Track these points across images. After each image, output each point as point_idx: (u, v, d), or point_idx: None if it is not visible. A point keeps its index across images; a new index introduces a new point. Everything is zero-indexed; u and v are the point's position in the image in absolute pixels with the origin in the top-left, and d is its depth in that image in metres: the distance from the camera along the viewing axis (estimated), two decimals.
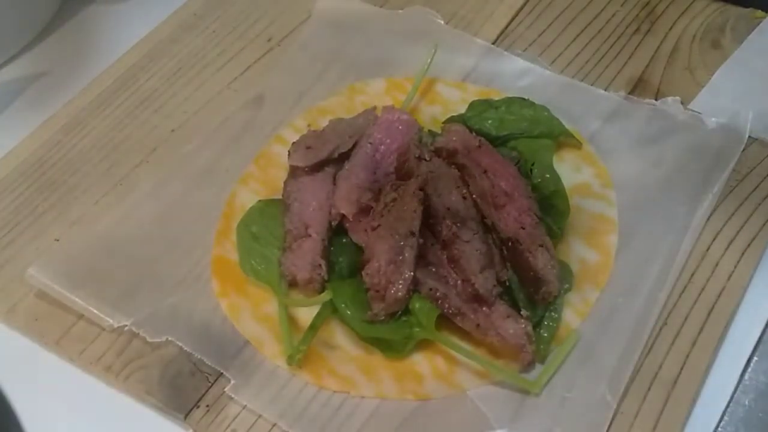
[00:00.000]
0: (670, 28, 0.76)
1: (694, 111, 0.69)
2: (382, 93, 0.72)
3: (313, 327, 0.57)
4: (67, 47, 0.80)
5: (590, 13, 0.78)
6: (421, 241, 0.57)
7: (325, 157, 0.64)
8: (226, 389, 0.55)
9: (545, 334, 0.57)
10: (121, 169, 0.68)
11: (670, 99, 0.70)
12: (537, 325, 0.57)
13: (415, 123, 0.66)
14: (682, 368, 0.55)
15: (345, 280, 0.59)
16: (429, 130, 0.67)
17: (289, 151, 0.64)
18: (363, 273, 0.57)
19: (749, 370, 0.57)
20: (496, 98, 0.69)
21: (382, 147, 0.64)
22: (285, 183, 0.64)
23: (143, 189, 0.66)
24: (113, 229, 0.64)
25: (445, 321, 0.57)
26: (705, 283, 0.59)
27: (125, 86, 0.74)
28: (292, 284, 0.60)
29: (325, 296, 0.58)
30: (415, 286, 0.57)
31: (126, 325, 0.58)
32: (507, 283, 0.58)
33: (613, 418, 0.53)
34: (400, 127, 0.65)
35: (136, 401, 0.57)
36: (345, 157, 0.64)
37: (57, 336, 0.59)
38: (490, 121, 0.67)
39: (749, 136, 0.67)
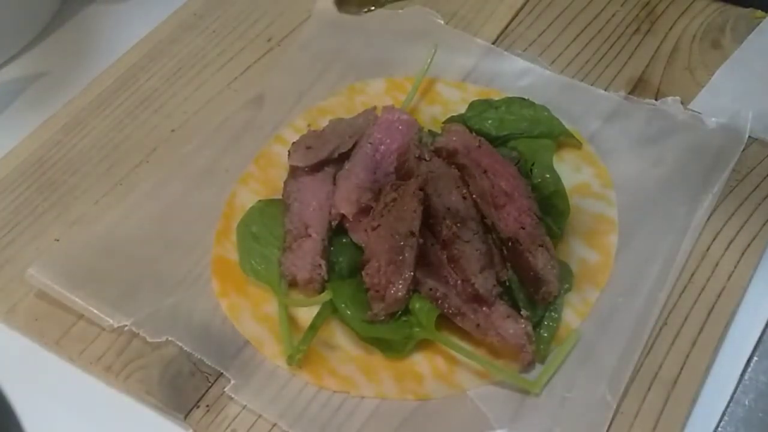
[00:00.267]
0: (670, 28, 0.76)
1: (694, 111, 0.69)
2: (382, 93, 0.72)
3: (313, 327, 0.57)
4: (67, 47, 0.80)
5: (590, 13, 0.78)
6: (421, 241, 0.57)
7: (325, 157, 0.64)
8: (226, 389, 0.55)
9: (545, 334, 0.57)
10: (121, 169, 0.68)
11: (670, 99, 0.69)
12: (537, 325, 0.57)
13: (415, 123, 0.66)
14: (682, 368, 0.55)
15: (345, 280, 0.59)
16: (429, 130, 0.67)
17: (289, 151, 0.64)
18: (363, 273, 0.57)
19: (749, 370, 0.57)
20: (496, 98, 0.69)
21: (382, 147, 0.64)
22: (285, 183, 0.64)
23: (143, 189, 0.66)
24: (113, 229, 0.64)
25: (445, 321, 0.57)
26: (705, 283, 0.59)
27: (125, 86, 0.74)
28: (292, 284, 0.60)
29: (325, 296, 0.58)
30: (415, 286, 0.57)
31: (126, 325, 0.58)
32: (507, 283, 0.58)
33: (613, 418, 0.53)
34: (400, 127, 0.65)
35: (136, 401, 0.57)
36: (345, 157, 0.64)
37: (57, 336, 0.59)
38: (490, 121, 0.67)
39: (749, 136, 0.67)
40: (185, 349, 0.57)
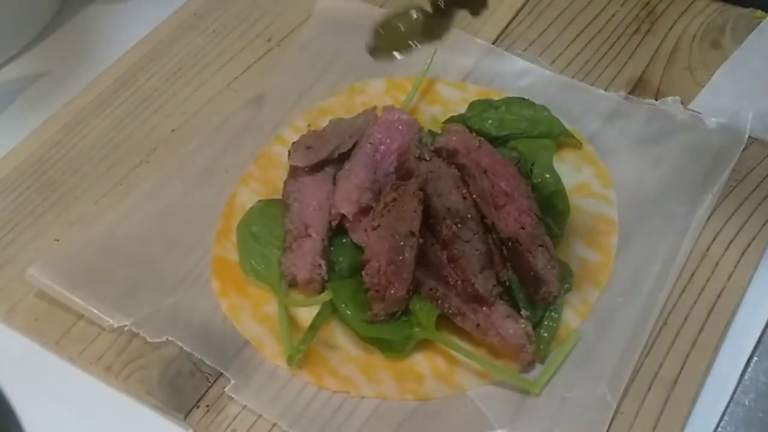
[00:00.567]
0: (670, 28, 0.76)
1: (694, 111, 0.69)
2: (382, 93, 0.72)
3: (313, 327, 0.57)
4: (67, 47, 0.80)
5: (590, 13, 0.78)
6: (421, 241, 0.57)
7: (325, 157, 0.64)
8: (226, 389, 0.55)
9: (545, 334, 0.57)
10: (121, 169, 0.68)
11: (670, 99, 0.69)
12: (537, 325, 0.57)
13: (415, 123, 0.66)
14: (682, 368, 0.55)
15: (345, 280, 0.59)
16: (429, 130, 0.67)
17: (289, 151, 0.64)
18: (363, 273, 0.57)
19: (749, 370, 0.57)
20: (496, 98, 0.69)
21: (382, 147, 0.64)
22: (285, 183, 0.64)
23: (143, 189, 0.66)
24: (113, 229, 0.64)
25: (445, 321, 0.57)
26: (705, 283, 0.59)
27: (125, 86, 0.74)
28: (292, 284, 0.60)
29: (325, 296, 0.58)
30: (415, 286, 0.57)
31: (126, 325, 0.58)
32: (507, 283, 0.58)
33: (613, 418, 0.53)
34: (400, 127, 0.65)
35: (136, 401, 0.57)
36: (345, 157, 0.64)
37: (57, 336, 0.59)
38: (490, 121, 0.67)
39: (749, 136, 0.66)
40: (185, 349, 0.57)
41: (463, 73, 0.73)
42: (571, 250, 0.61)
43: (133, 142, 0.70)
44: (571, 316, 0.58)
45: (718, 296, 0.59)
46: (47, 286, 0.60)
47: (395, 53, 0.51)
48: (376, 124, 0.65)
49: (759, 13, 0.76)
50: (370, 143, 0.64)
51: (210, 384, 0.56)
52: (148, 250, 0.62)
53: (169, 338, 0.57)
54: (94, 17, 0.82)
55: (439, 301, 0.56)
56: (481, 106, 0.68)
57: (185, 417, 0.55)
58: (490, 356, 0.56)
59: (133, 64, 0.76)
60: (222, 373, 0.56)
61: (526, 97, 0.69)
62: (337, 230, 0.61)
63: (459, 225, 0.58)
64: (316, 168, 0.64)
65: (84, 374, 0.58)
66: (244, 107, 0.71)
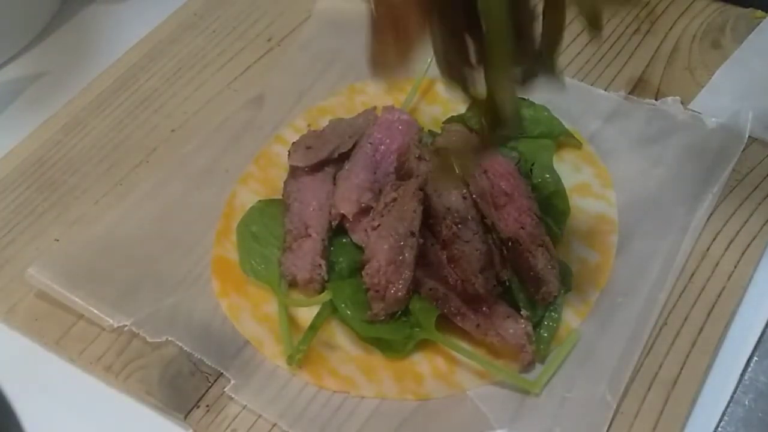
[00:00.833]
0: (670, 28, 0.76)
1: (694, 111, 0.69)
2: (382, 93, 0.72)
3: (313, 327, 0.57)
4: (67, 47, 0.80)
5: None
6: (421, 241, 0.57)
7: (325, 157, 0.64)
8: (226, 389, 0.55)
9: (545, 334, 0.57)
10: (121, 169, 0.68)
11: (670, 99, 0.69)
12: (537, 325, 0.57)
13: (415, 123, 0.66)
14: (682, 368, 0.55)
15: (345, 280, 0.59)
16: (429, 130, 0.67)
17: (289, 151, 0.64)
18: (363, 273, 0.57)
19: (749, 370, 0.57)
20: None
21: (382, 147, 0.64)
22: (285, 183, 0.64)
23: (143, 189, 0.66)
24: (113, 229, 0.64)
25: (445, 321, 0.57)
26: (705, 283, 0.59)
27: (125, 86, 0.74)
28: (292, 284, 0.60)
29: (325, 296, 0.58)
30: (415, 286, 0.57)
31: (126, 325, 0.58)
32: (507, 283, 0.58)
33: (613, 418, 0.53)
34: (400, 127, 0.65)
35: (136, 401, 0.57)
36: (345, 157, 0.64)
37: (57, 336, 0.59)
38: None
39: (749, 136, 0.66)
40: (185, 349, 0.57)
41: None
42: (571, 250, 0.61)
43: (133, 142, 0.70)
44: (571, 316, 0.58)
45: (718, 296, 0.59)
46: (47, 286, 0.60)
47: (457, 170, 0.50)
48: (376, 124, 0.66)
49: (759, 13, 0.76)
50: (370, 143, 0.64)
51: (210, 384, 0.56)
52: (148, 250, 0.62)
53: (169, 338, 0.57)
54: (94, 17, 0.82)
55: (439, 301, 0.56)
56: None
57: (185, 417, 0.55)
58: (490, 356, 0.56)
59: (133, 64, 0.76)
60: (222, 373, 0.56)
61: (526, 97, 0.69)
62: (337, 230, 0.61)
63: (459, 225, 0.58)
64: (316, 168, 0.64)
65: (84, 374, 0.58)
66: (244, 107, 0.71)
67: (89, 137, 0.70)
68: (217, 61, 0.76)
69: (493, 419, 0.53)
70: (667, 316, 0.58)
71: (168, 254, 0.62)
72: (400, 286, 0.56)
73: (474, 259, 0.57)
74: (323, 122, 0.68)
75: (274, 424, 0.54)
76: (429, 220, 0.58)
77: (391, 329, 0.56)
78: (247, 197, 0.65)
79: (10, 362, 0.58)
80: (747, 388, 0.56)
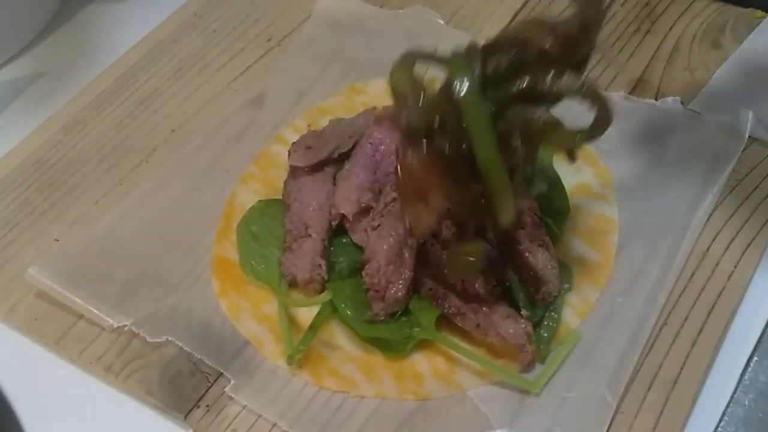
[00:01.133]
0: (670, 28, 0.76)
1: (694, 111, 0.69)
2: (382, 93, 0.71)
3: (313, 327, 0.57)
4: (67, 47, 0.80)
5: None
6: (421, 241, 0.57)
7: (325, 157, 0.64)
8: (226, 389, 0.55)
9: (545, 334, 0.57)
10: (121, 169, 0.68)
11: (670, 99, 0.69)
12: (537, 325, 0.57)
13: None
14: (682, 368, 0.55)
15: (345, 280, 0.59)
16: None
17: (289, 151, 0.64)
18: (363, 273, 0.57)
19: (749, 370, 0.57)
20: None
21: (382, 147, 0.64)
22: (285, 183, 0.64)
23: (143, 189, 0.66)
24: (113, 229, 0.64)
25: (445, 321, 0.57)
26: (705, 283, 0.59)
27: (125, 86, 0.74)
28: (292, 284, 0.60)
29: (325, 296, 0.58)
30: (415, 286, 0.57)
31: (126, 325, 0.58)
32: (507, 283, 0.58)
33: (613, 418, 0.53)
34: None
35: (136, 401, 0.57)
36: (345, 157, 0.64)
37: (57, 336, 0.59)
38: None
39: (749, 136, 0.66)
40: (185, 349, 0.57)
41: None
42: (571, 250, 0.61)
43: (133, 142, 0.70)
44: (571, 316, 0.58)
45: (718, 296, 0.59)
46: (47, 286, 0.60)
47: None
48: (376, 124, 0.65)
49: (759, 13, 0.76)
50: (370, 143, 0.64)
51: (210, 384, 0.56)
52: (148, 250, 0.62)
53: (169, 338, 0.57)
54: (94, 17, 0.83)
55: (439, 301, 0.56)
56: None
57: (185, 417, 0.55)
58: (490, 356, 0.56)
59: (133, 64, 0.76)
60: (222, 373, 0.56)
61: None
62: (337, 230, 0.61)
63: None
64: (316, 168, 0.63)
65: (84, 374, 0.58)
66: (244, 107, 0.71)
67: (89, 137, 0.70)
68: (217, 61, 0.76)
69: (493, 419, 0.54)
70: (667, 316, 0.58)
71: (168, 254, 0.62)
72: (400, 286, 0.56)
73: None
74: (323, 122, 0.68)
75: (274, 424, 0.54)
76: None
77: (391, 329, 0.56)
78: (247, 197, 0.65)
79: (10, 362, 0.58)
80: (747, 388, 0.56)
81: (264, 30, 0.78)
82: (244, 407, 0.55)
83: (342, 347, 0.57)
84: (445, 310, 0.56)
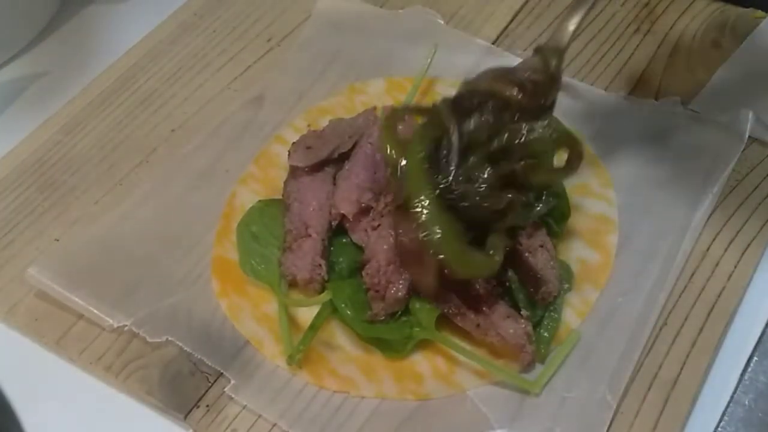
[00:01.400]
0: (670, 28, 0.76)
1: (694, 111, 0.69)
2: (382, 93, 0.72)
3: (313, 327, 0.57)
4: (67, 47, 0.80)
5: (590, 13, 0.78)
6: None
7: (325, 157, 0.64)
8: (226, 389, 0.55)
9: (545, 334, 0.57)
10: (121, 169, 0.68)
11: (670, 99, 0.70)
12: (537, 325, 0.57)
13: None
14: (682, 368, 0.56)
15: (345, 280, 0.59)
16: None
17: (289, 151, 0.64)
18: (363, 273, 0.57)
19: (749, 370, 0.57)
20: None
21: None
22: (285, 183, 0.64)
23: (143, 189, 0.66)
24: (113, 229, 0.64)
25: (445, 321, 0.57)
26: (705, 283, 0.59)
27: (125, 86, 0.74)
28: (292, 284, 0.60)
29: (325, 296, 0.58)
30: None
31: (126, 325, 0.58)
32: (507, 283, 0.58)
33: (613, 418, 0.53)
34: (400, 127, 0.65)
35: (136, 401, 0.57)
36: (345, 157, 0.64)
37: (57, 336, 0.59)
38: None
39: (749, 136, 0.66)
40: (185, 349, 0.57)
41: (463, 73, 0.72)
42: (571, 250, 0.61)
43: (133, 142, 0.70)
44: (571, 316, 0.58)
45: (718, 296, 0.59)
46: (47, 286, 0.60)
47: None
48: (376, 124, 0.65)
49: (759, 13, 0.76)
50: (370, 143, 0.64)
51: (210, 384, 0.56)
52: (148, 250, 0.62)
53: (169, 338, 0.57)
54: (94, 17, 0.82)
55: (439, 301, 0.56)
56: None
57: (185, 417, 0.55)
58: (490, 356, 0.56)
59: (133, 64, 0.76)
60: (222, 373, 0.56)
61: None
62: (337, 230, 0.61)
63: None
64: (316, 168, 0.63)
65: (84, 374, 0.58)
66: (244, 107, 0.71)
67: (89, 137, 0.70)
68: (217, 61, 0.76)
69: (493, 419, 0.54)
70: (667, 316, 0.58)
71: (168, 254, 0.62)
72: (400, 286, 0.56)
73: None
74: (323, 122, 0.68)
75: (274, 424, 0.54)
76: None
77: (391, 329, 0.56)
78: (247, 197, 0.65)
79: (10, 362, 0.59)
80: (747, 388, 0.56)
81: (264, 30, 0.78)
82: (244, 407, 0.55)
83: (342, 347, 0.57)
84: (445, 310, 0.56)
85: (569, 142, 0.56)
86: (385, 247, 0.57)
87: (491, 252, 0.54)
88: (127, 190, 0.66)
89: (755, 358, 0.57)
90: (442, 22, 0.77)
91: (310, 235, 0.60)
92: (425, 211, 0.51)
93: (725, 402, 0.55)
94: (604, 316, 0.58)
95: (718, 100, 0.70)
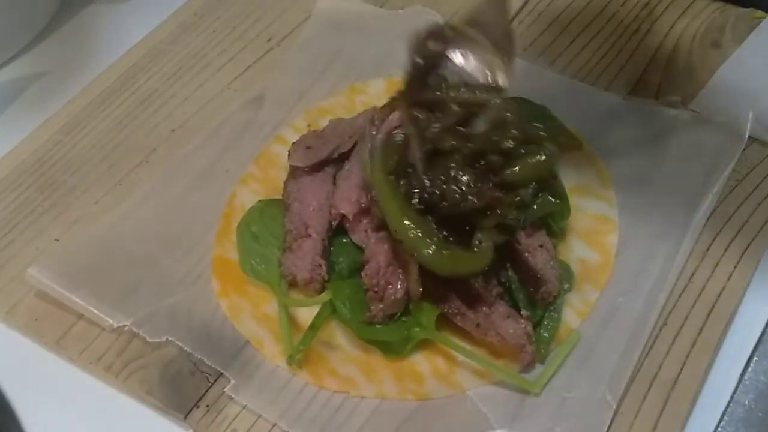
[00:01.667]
0: (670, 28, 0.76)
1: (694, 111, 0.69)
2: (382, 93, 0.72)
3: (313, 327, 0.57)
4: (67, 47, 0.80)
5: (590, 13, 0.78)
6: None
7: (325, 157, 0.64)
8: (226, 389, 0.55)
9: (545, 334, 0.57)
10: (121, 169, 0.68)
11: (670, 99, 0.69)
12: (537, 325, 0.57)
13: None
14: (682, 368, 0.55)
15: (345, 281, 0.59)
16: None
17: (289, 151, 0.64)
18: (362, 274, 0.57)
19: (749, 370, 0.57)
20: None
21: None
22: (285, 183, 0.64)
23: (143, 189, 0.66)
24: (113, 229, 0.64)
25: (445, 321, 0.57)
26: (705, 283, 0.59)
27: (125, 86, 0.74)
28: (292, 284, 0.60)
29: (325, 296, 0.58)
30: None
31: (126, 325, 0.58)
32: (507, 283, 0.58)
33: (613, 418, 0.53)
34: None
35: (136, 401, 0.57)
36: (345, 157, 0.64)
37: (57, 336, 0.59)
38: None
39: (749, 136, 0.66)
40: (185, 349, 0.57)
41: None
42: (571, 250, 0.61)
43: (133, 142, 0.70)
44: (571, 316, 0.58)
45: (718, 296, 0.59)
46: (47, 286, 0.60)
47: None
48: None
49: (759, 13, 0.76)
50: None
51: (210, 384, 0.56)
52: (148, 250, 0.62)
53: (169, 338, 0.57)
54: (94, 17, 0.83)
55: (439, 301, 0.56)
56: None
57: (185, 417, 0.55)
58: (490, 356, 0.56)
59: (133, 64, 0.76)
60: (222, 373, 0.56)
61: (526, 97, 0.69)
62: (337, 230, 0.61)
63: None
64: (316, 168, 0.63)
65: (84, 374, 0.58)
66: (244, 107, 0.71)
67: (89, 137, 0.70)
68: (217, 61, 0.76)
69: (493, 419, 0.54)
70: (667, 316, 0.58)
71: (168, 254, 0.62)
72: (399, 288, 0.56)
73: None
74: (323, 122, 0.68)
75: (274, 424, 0.54)
76: None
77: (390, 331, 0.56)
78: (247, 197, 0.65)
79: (10, 362, 0.59)
80: (747, 388, 0.56)
81: (264, 30, 0.78)
82: (244, 407, 0.55)
83: (342, 347, 0.57)
84: (445, 310, 0.56)
85: (541, 137, 0.58)
86: (384, 247, 0.57)
87: (477, 248, 0.54)
88: (127, 190, 0.66)
89: (755, 358, 0.57)
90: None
91: (310, 235, 0.60)
92: (395, 220, 0.54)
93: (725, 402, 0.55)
94: (604, 316, 0.58)
95: (718, 100, 0.70)
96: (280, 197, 0.63)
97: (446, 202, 0.55)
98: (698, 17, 0.77)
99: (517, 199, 0.57)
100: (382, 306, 0.56)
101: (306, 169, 0.63)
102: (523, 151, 0.56)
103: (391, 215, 0.55)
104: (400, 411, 0.55)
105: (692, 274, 0.60)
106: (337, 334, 0.58)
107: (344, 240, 0.61)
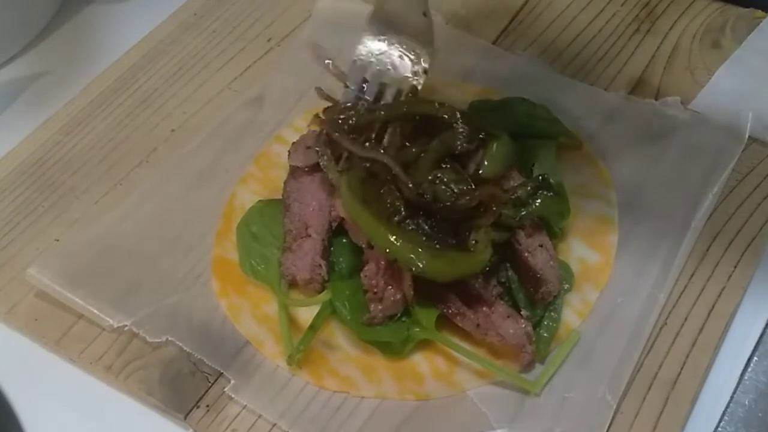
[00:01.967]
0: (670, 28, 0.76)
1: (694, 111, 0.69)
2: None
3: (313, 327, 0.57)
4: (67, 47, 0.80)
5: (590, 13, 0.78)
6: None
7: None
8: (226, 389, 0.55)
9: (545, 334, 0.57)
10: (121, 169, 0.68)
11: (670, 99, 0.69)
12: (537, 325, 0.57)
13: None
14: (682, 368, 0.55)
15: (345, 281, 0.59)
16: None
17: (289, 151, 0.64)
18: (362, 274, 0.57)
19: (749, 370, 0.57)
20: (496, 98, 0.69)
21: None
22: (285, 183, 0.64)
23: (143, 189, 0.66)
24: (113, 229, 0.64)
25: (445, 321, 0.57)
26: (705, 283, 0.59)
27: (125, 86, 0.74)
28: (292, 284, 0.60)
29: (325, 296, 0.58)
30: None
31: (126, 325, 0.58)
32: (507, 283, 0.58)
33: (613, 418, 0.53)
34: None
35: (136, 401, 0.57)
36: None
37: (57, 336, 0.59)
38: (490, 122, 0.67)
39: (749, 136, 0.66)
40: (185, 349, 0.57)
41: (463, 73, 0.73)
42: (571, 250, 0.61)
43: (133, 142, 0.70)
44: (571, 316, 0.58)
45: (718, 296, 0.59)
46: (47, 286, 0.60)
47: None
48: None
49: (759, 13, 0.76)
50: None
51: (210, 384, 0.56)
52: (148, 250, 0.62)
53: (169, 338, 0.57)
54: (94, 17, 0.83)
55: (439, 301, 0.56)
56: (481, 106, 0.68)
57: (185, 417, 0.55)
58: (490, 356, 0.56)
59: (133, 64, 0.76)
60: (222, 373, 0.56)
61: (526, 97, 0.69)
62: (337, 230, 0.61)
63: None
64: (316, 168, 0.63)
65: (84, 374, 0.58)
66: (244, 107, 0.71)
67: (89, 137, 0.70)
68: (217, 61, 0.76)
69: (493, 419, 0.54)
70: (667, 316, 0.58)
71: (168, 254, 0.62)
72: (399, 289, 0.56)
73: None
74: None
75: (274, 424, 0.54)
76: None
77: (389, 332, 0.56)
78: (247, 197, 0.65)
79: (10, 362, 0.59)
80: (747, 388, 0.56)
81: (264, 30, 0.78)
82: (244, 407, 0.55)
83: (342, 347, 0.57)
84: (445, 310, 0.56)
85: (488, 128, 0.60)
86: None
87: (473, 249, 0.54)
88: (127, 190, 0.66)
89: (755, 358, 0.57)
90: (443, 22, 0.76)
91: (310, 235, 0.60)
92: (382, 243, 0.54)
93: (725, 402, 0.55)
94: (604, 316, 0.58)
95: (718, 100, 0.70)
96: (280, 197, 0.63)
97: (440, 203, 0.55)
98: (698, 17, 0.77)
99: (513, 196, 0.57)
100: (381, 307, 0.56)
101: (306, 169, 0.63)
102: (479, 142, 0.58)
103: (377, 239, 0.55)
104: (400, 411, 0.55)
105: (692, 274, 0.60)
106: (337, 334, 0.58)
107: (344, 240, 0.61)
